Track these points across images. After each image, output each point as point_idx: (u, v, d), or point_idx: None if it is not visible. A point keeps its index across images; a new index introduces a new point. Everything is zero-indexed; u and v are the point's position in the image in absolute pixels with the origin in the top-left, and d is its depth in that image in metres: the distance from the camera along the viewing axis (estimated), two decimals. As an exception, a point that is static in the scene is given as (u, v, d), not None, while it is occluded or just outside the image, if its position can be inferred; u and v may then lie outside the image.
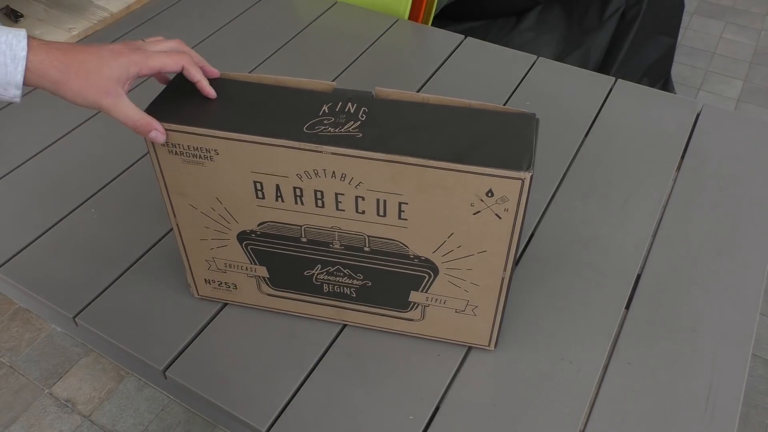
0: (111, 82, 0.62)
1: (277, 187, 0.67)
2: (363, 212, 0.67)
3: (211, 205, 0.71)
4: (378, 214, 0.67)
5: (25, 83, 0.62)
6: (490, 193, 0.62)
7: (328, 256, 0.73)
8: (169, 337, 0.79)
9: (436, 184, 0.63)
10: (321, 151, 0.63)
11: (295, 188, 0.67)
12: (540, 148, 0.69)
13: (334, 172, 0.65)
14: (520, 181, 0.61)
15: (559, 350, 0.78)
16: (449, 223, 0.66)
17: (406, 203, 0.65)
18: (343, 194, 0.66)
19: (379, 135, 0.64)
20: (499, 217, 0.64)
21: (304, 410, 0.73)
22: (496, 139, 0.64)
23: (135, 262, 0.87)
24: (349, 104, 0.67)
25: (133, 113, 0.64)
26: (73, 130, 1.07)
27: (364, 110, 0.67)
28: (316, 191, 0.67)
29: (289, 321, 0.81)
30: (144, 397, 1.56)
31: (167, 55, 0.66)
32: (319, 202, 0.68)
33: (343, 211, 0.68)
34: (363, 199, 0.66)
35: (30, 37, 0.61)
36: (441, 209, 0.65)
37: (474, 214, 0.64)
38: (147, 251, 0.89)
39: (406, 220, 0.67)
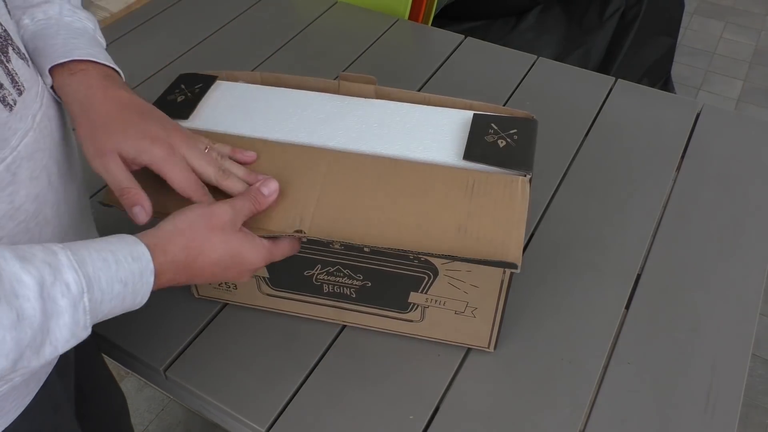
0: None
1: None
2: None
3: None
4: None
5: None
6: None
7: (328, 257, 0.72)
8: (169, 337, 0.79)
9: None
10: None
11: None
12: (540, 148, 0.69)
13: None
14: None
15: (559, 350, 0.78)
16: None
17: None
18: None
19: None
20: None
21: (304, 410, 0.73)
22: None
23: (135, 262, 0.87)
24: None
25: None
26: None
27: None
28: None
29: (289, 321, 0.81)
30: (144, 397, 1.56)
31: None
32: None
33: None
34: None
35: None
36: None
37: None
38: (147, 251, 0.89)
39: None
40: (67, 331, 0.45)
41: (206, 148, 0.62)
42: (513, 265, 0.61)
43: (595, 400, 0.74)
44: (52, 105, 0.58)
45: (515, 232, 0.62)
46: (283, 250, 0.62)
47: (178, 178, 0.59)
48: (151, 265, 0.50)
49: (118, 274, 0.48)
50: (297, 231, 0.64)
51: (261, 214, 0.63)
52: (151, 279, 0.51)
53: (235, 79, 0.78)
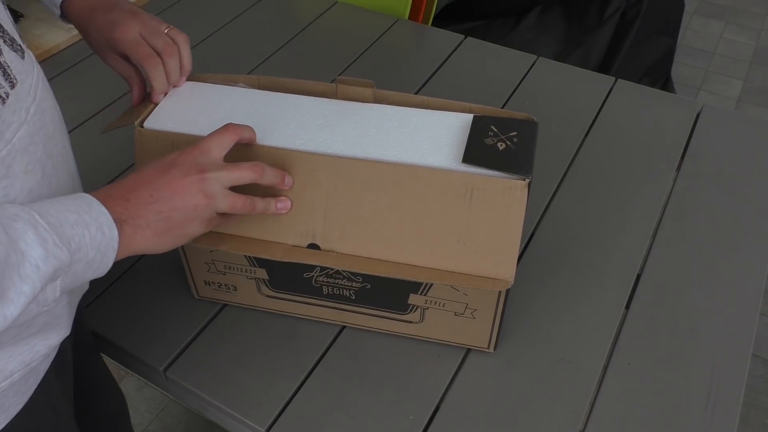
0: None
1: None
2: None
3: None
4: None
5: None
6: None
7: None
8: (169, 337, 0.79)
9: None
10: None
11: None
12: (540, 148, 0.69)
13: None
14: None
15: (559, 350, 0.78)
16: None
17: None
18: None
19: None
20: None
21: (304, 410, 0.73)
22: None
23: (135, 262, 0.87)
24: None
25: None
26: (72, 130, 1.07)
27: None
28: None
29: (289, 321, 0.81)
30: (144, 397, 1.56)
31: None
32: None
33: None
34: None
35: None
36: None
37: None
38: (147, 251, 0.88)
39: None
40: (40, 248, 0.46)
41: (166, 29, 0.75)
42: (505, 283, 0.66)
43: (595, 400, 0.74)
44: (45, 98, 0.58)
45: (510, 249, 0.65)
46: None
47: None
48: (94, 199, 0.53)
49: (66, 205, 0.51)
50: (311, 245, 0.68)
51: (273, 221, 0.69)
52: (103, 208, 0.53)
53: (234, 82, 0.78)
